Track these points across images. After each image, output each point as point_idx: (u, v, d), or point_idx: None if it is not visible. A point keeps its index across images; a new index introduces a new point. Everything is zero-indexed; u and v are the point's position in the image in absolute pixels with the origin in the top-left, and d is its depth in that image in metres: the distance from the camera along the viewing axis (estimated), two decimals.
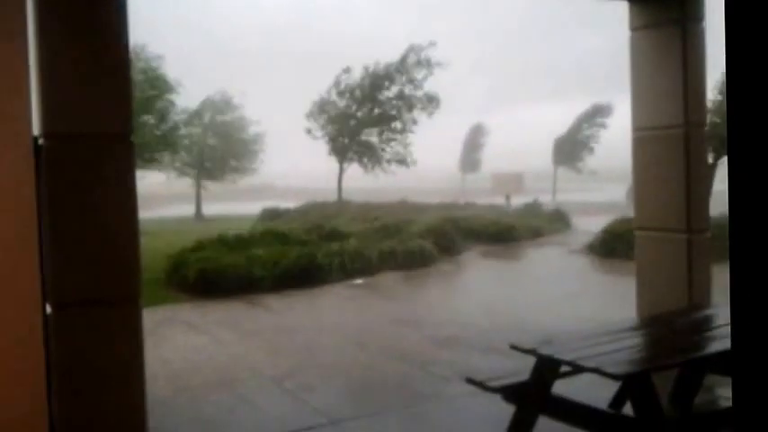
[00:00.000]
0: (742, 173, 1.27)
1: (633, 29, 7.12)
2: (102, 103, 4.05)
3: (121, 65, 4.13)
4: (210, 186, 38.16)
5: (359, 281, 13.85)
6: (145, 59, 24.64)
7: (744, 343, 1.30)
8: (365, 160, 30.95)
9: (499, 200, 28.31)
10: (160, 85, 24.41)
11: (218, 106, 37.71)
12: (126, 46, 4.13)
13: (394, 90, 30.30)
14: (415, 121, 30.48)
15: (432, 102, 30.23)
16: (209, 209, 36.53)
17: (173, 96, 25.60)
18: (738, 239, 1.30)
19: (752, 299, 1.27)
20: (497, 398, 4.91)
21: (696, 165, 6.67)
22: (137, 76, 23.34)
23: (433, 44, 29.99)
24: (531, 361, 4.59)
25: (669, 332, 5.18)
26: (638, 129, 7.06)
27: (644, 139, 6.99)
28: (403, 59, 29.97)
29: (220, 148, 36.99)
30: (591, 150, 51.84)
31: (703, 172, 7.11)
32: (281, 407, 6.64)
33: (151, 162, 24.56)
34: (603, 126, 50.31)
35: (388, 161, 30.91)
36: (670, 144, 6.71)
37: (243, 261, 13.20)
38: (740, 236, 1.30)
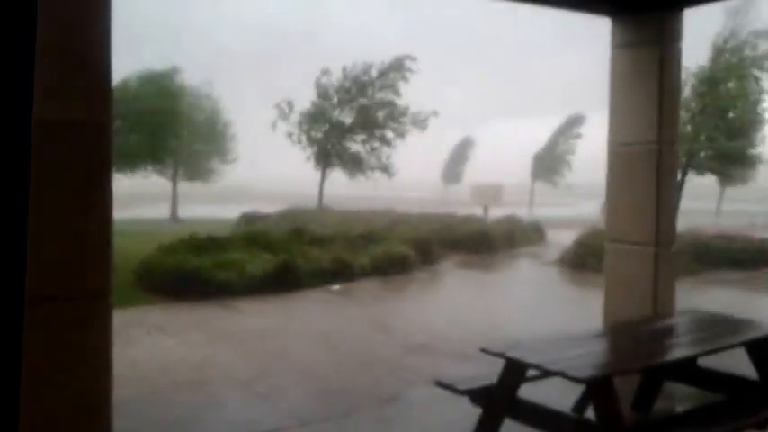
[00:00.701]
0: None
1: (614, 46, 7.35)
2: (81, 92, 3.97)
3: (103, 54, 4.03)
4: (188, 188, 37.60)
5: (336, 287, 13.89)
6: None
7: None
8: (348, 166, 30.86)
9: (478, 211, 28.52)
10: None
11: (195, 105, 37.05)
12: (108, 36, 4.05)
13: (378, 97, 30.28)
14: (402, 135, 30.59)
15: (419, 124, 30.36)
16: (187, 211, 36.05)
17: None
18: None
19: None
20: (466, 401, 5.07)
21: (667, 182, 6.90)
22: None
23: (413, 58, 30.16)
24: (499, 367, 4.76)
25: (633, 340, 5.37)
26: (613, 144, 7.29)
27: (618, 154, 7.22)
28: (385, 69, 30.03)
29: (196, 146, 36.22)
30: (568, 166, 52.56)
31: (673, 189, 7.35)
32: (250, 409, 6.66)
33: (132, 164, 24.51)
34: (578, 137, 51.02)
35: (372, 169, 30.87)
36: (643, 160, 6.93)
37: (218, 264, 13.11)
38: None
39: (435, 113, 30.33)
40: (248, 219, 26.82)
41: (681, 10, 7.06)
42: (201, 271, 12.79)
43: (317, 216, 25.42)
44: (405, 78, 29.81)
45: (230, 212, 29.77)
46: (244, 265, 13.20)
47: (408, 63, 29.79)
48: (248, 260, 13.45)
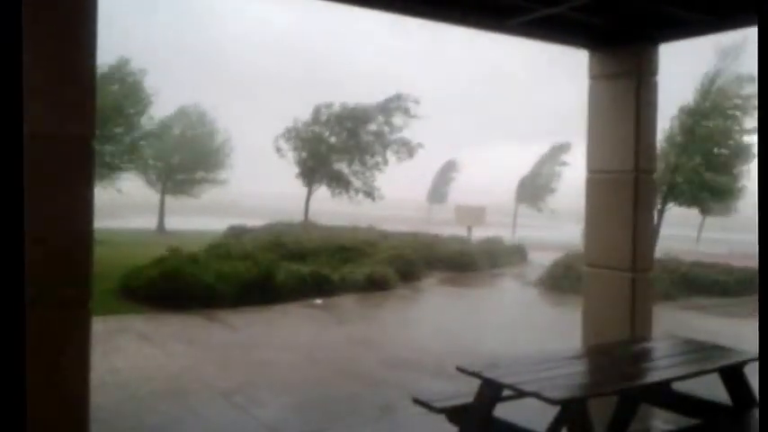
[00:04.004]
0: None
1: (592, 77, 7.52)
2: (64, 105, 4.04)
3: (87, 69, 4.13)
4: (176, 200, 37.81)
5: (318, 301, 13.97)
6: (125, 74, 24.89)
7: None
8: (333, 185, 31.59)
9: (462, 231, 28.66)
10: (135, 100, 24.59)
11: (192, 119, 37.49)
12: (92, 49, 4.13)
13: (371, 127, 31.34)
14: (386, 162, 31.51)
15: (406, 146, 31.27)
16: (174, 222, 36.16)
17: (146, 109, 25.81)
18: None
19: None
20: (443, 418, 5.15)
21: (644, 209, 7.05)
22: (112, 86, 23.55)
23: (416, 102, 31.27)
24: (477, 384, 4.84)
25: (609, 362, 5.47)
26: (591, 171, 7.43)
27: (597, 182, 7.36)
28: (386, 103, 31.09)
29: (188, 161, 36.61)
30: (552, 191, 53.05)
31: (650, 216, 7.50)
32: (227, 419, 6.70)
33: (117, 170, 24.60)
34: (564, 164, 51.56)
35: (356, 191, 31.65)
36: (621, 188, 7.08)
37: (202, 276, 13.19)
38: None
39: (421, 145, 31.64)
40: (235, 232, 26.98)
41: (656, 45, 7.25)
42: (185, 282, 12.87)
43: (301, 231, 25.59)
44: (405, 112, 30.83)
45: (217, 225, 29.85)
46: (228, 278, 13.28)
47: (408, 103, 30.88)
48: (233, 273, 13.51)
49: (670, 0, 6.41)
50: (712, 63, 19.74)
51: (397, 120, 31.24)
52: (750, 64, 19.35)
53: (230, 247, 16.54)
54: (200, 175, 37.70)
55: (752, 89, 19.09)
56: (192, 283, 12.91)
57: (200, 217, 41.87)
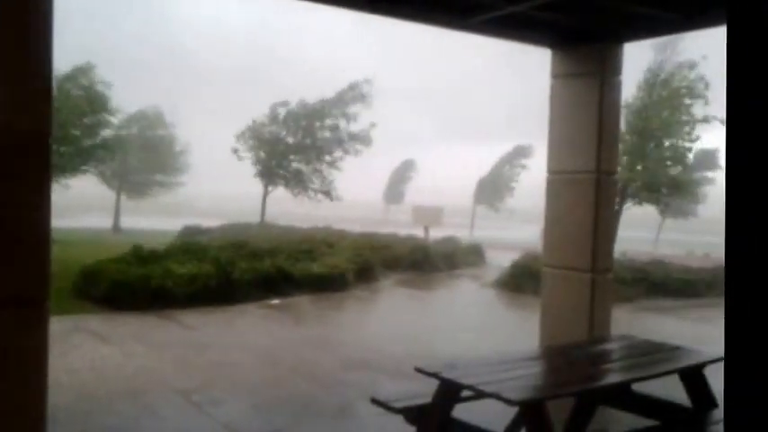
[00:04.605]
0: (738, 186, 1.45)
1: (554, 76, 7.49)
2: (21, 102, 4.00)
3: (44, 65, 4.09)
4: (132, 200, 37.71)
5: (275, 301, 13.86)
6: (88, 77, 24.72)
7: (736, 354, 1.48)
8: (291, 185, 31.60)
9: (419, 231, 28.66)
10: (96, 102, 24.41)
11: (150, 120, 37.42)
12: (49, 45, 4.10)
13: (328, 123, 31.30)
14: (342, 158, 31.52)
15: (363, 141, 31.31)
16: (130, 222, 36.04)
17: (108, 117, 25.68)
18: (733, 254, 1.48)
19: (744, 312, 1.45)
20: (401, 419, 5.08)
21: (604, 210, 7.04)
22: (76, 91, 23.34)
23: (368, 81, 31.40)
24: (435, 385, 4.77)
25: (567, 363, 5.43)
26: (552, 172, 7.40)
27: (557, 182, 7.33)
28: (341, 95, 31.05)
29: (145, 162, 36.58)
30: (511, 191, 53.49)
31: (610, 217, 7.49)
32: (185, 419, 6.65)
33: (76, 172, 24.38)
34: (524, 167, 52.01)
35: (314, 190, 31.71)
36: (581, 188, 7.06)
37: (157, 275, 13.02)
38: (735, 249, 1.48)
39: (370, 132, 31.72)
40: (190, 232, 26.86)
41: (621, 44, 7.23)
42: (141, 281, 12.73)
43: (257, 231, 25.53)
44: (362, 99, 30.81)
45: (174, 226, 29.68)
46: (183, 277, 13.12)
47: (365, 88, 30.84)
48: (188, 272, 13.34)
49: None
50: (651, 57, 19.94)
51: (354, 109, 31.28)
52: (689, 51, 19.68)
53: (187, 247, 16.33)
54: (157, 176, 37.67)
55: (694, 74, 19.35)
56: (147, 283, 12.72)
57: (156, 217, 41.57)
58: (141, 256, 14.21)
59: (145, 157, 36.30)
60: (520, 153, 52.48)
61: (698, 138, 19.99)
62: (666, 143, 19.60)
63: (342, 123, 31.39)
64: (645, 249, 28.50)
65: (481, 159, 63.96)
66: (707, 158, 39.17)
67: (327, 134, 31.49)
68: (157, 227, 32.24)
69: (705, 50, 18.90)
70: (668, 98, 19.37)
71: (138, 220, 37.79)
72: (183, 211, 48.74)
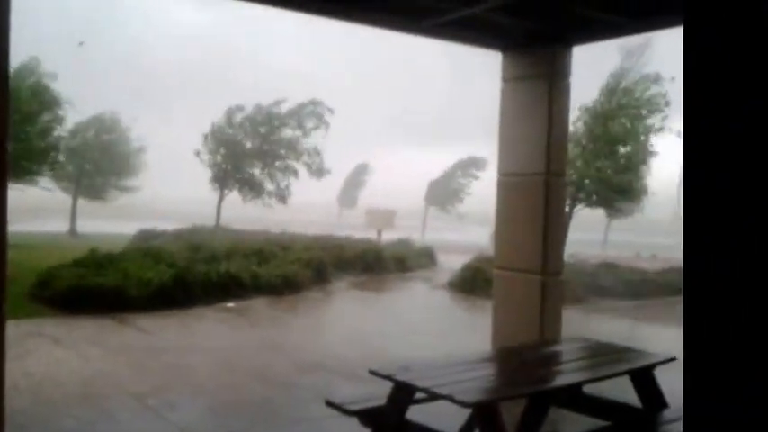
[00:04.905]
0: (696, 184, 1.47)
1: (505, 79, 7.55)
2: None
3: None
4: (89, 204, 37.24)
5: (230, 304, 13.81)
6: (37, 75, 24.23)
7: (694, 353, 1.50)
8: (246, 190, 31.75)
9: (372, 234, 28.72)
10: (46, 100, 23.93)
11: (106, 124, 36.98)
12: (5, 49, 4.07)
13: (285, 132, 31.54)
14: (297, 174, 31.80)
15: (317, 158, 31.64)
16: (86, 226, 35.57)
17: (59, 112, 25.20)
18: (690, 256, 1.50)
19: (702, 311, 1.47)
20: (356, 421, 5.09)
21: (554, 212, 7.11)
22: (23, 91, 22.83)
23: (331, 110, 31.87)
24: (389, 387, 4.79)
25: (519, 365, 5.48)
26: (502, 174, 7.46)
27: (507, 185, 7.39)
28: (300, 108, 31.32)
29: (102, 165, 36.18)
30: (463, 193, 53.89)
31: (561, 219, 7.57)
32: (141, 423, 6.63)
33: (30, 175, 23.92)
34: (476, 177, 52.47)
35: (269, 194, 31.89)
36: (531, 190, 7.13)
37: (113, 279, 12.90)
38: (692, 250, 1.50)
39: (328, 171, 32.71)
40: (145, 235, 26.70)
41: (570, 47, 7.32)
42: (98, 285, 12.60)
43: (212, 235, 25.42)
44: (319, 118, 31.26)
45: (129, 229, 29.41)
46: (140, 281, 13.01)
47: (322, 109, 31.35)
48: (143, 276, 13.23)
49: (584, 2, 6.46)
50: (617, 63, 20.15)
51: (310, 124, 31.52)
52: (656, 63, 19.92)
53: (144, 250, 16.16)
54: (113, 179, 37.29)
55: (657, 89, 19.58)
56: (103, 287, 12.60)
57: (113, 221, 41.06)
58: (97, 260, 14.09)
59: (101, 161, 35.90)
60: (473, 164, 52.90)
61: (653, 148, 20.28)
62: (622, 150, 19.82)
63: (298, 134, 31.66)
64: (594, 251, 28.88)
65: (432, 162, 64.34)
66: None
67: (285, 144, 31.75)
68: (115, 230, 31.87)
69: (674, 63, 19.10)
70: (627, 106, 19.60)
71: (95, 223, 37.35)
72: (141, 215, 48.18)
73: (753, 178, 1.41)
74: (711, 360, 1.48)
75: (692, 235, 1.50)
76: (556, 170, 7.11)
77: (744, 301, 1.44)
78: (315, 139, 31.83)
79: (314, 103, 31.69)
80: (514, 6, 6.48)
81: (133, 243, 23.20)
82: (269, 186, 32.00)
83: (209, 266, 14.87)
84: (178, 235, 26.30)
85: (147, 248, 16.80)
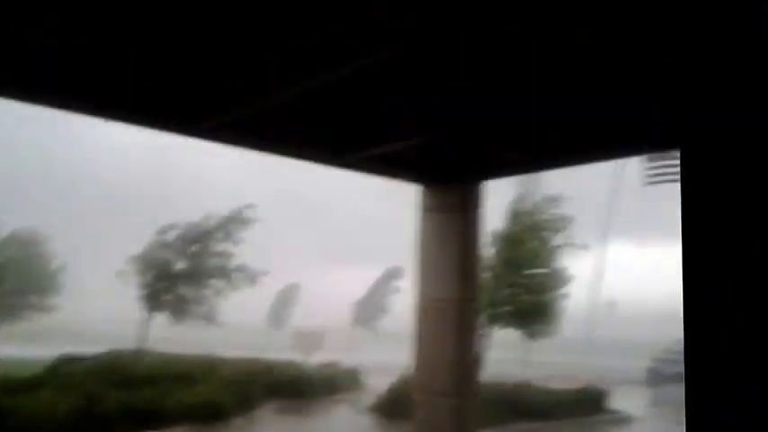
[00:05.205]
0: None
1: (423, 210, 8.00)
2: None
3: None
4: (7, 325, 36.04)
5: None
6: None
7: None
8: (175, 312, 31.42)
9: (301, 356, 28.54)
10: None
11: (22, 242, 36.36)
12: None
13: (215, 248, 31.51)
14: (226, 292, 31.73)
15: (245, 274, 31.64)
16: (2, 350, 34.29)
17: None
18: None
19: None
20: None
21: (467, 335, 7.44)
22: None
23: (251, 206, 31.89)
24: None
25: None
26: (419, 298, 7.81)
27: (425, 309, 7.73)
28: (225, 221, 31.38)
29: (18, 284, 35.29)
30: (386, 313, 54.07)
31: (474, 341, 7.89)
32: None
33: None
34: (398, 290, 52.91)
35: (198, 316, 31.65)
36: (446, 315, 7.47)
37: (20, 409, 12.48)
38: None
39: (259, 276, 32.16)
40: (64, 360, 25.86)
41: (482, 181, 7.84)
42: (2, 416, 12.11)
43: (137, 359, 24.88)
44: (244, 223, 31.32)
45: (50, 352, 28.40)
46: (50, 409, 12.63)
47: (247, 213, 31.43)
48: (56, 403, 12.88)
49: (498, 141, 6.94)
50: (515, 189, 21.02)
51: (238, 233, 31.55)
52: (554, 184, 20.84)
53: (58, 377, 15.77)
54: (32, 299, 36.35)
55: (558, 210, 20.42)
56: (8, 419, 12.12)
57: (33, 344, 39.69)
58: (5, 387, 13.62)
59: (17, 280, 35.05)
60: (392, 275, 53.42)
61: (565, 269, 20.96)
62: (528, 272, 20.44)
63: (228, 247, 31.69)
64: (515, 371, 29.16)
65: (361, 279, 64.53)
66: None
67: (214, 261, 31.67)
68: (34, 354, 30.74)
69: (570, 185, 20.06)
70: (531, 229, 20.34)
71: (12, 347, 36.08)
72: (60, 337, 46.76)
73: (749, 189, 1.61)
74: (711, 365, 1.67)
75: (689, 241, 1.69)
76: (468, 296, 7.48)
77: (741, 309, 1.63)
78: (243, 250, 31.91)
79: (238, 210, 31.81)
80: (432, 146, 6.95)
81: (50, 369, 22.51)
82: (197, 308, 31.75)
83: (127, 393, 14.57)
84: (99, 359, 25.63)
85: (62, 373, 16.41)
